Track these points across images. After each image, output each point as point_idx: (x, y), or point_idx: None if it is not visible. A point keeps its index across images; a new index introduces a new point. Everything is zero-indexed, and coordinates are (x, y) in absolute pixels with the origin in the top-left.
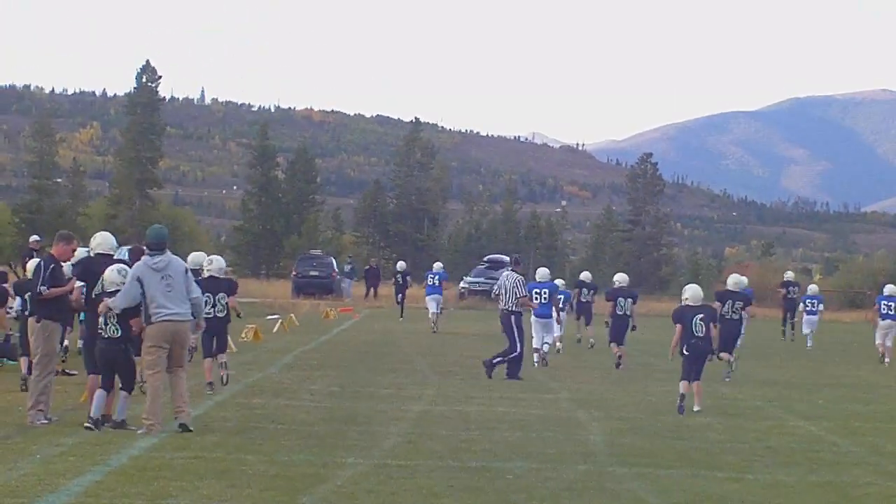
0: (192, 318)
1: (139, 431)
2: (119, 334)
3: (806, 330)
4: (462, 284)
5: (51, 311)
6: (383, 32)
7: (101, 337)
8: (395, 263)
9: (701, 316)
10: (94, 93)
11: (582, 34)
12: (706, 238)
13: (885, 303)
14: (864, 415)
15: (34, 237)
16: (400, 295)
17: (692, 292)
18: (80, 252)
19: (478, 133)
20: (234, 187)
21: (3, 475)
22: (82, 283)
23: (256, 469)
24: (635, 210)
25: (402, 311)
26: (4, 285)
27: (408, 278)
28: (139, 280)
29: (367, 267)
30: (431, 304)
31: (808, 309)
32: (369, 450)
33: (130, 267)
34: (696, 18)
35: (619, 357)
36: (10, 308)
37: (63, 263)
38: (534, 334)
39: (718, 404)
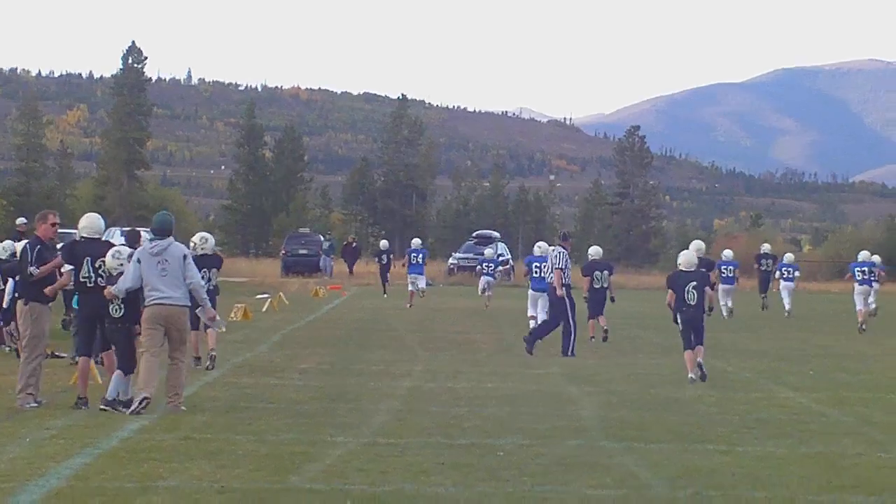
0: (188, 303)
1: (138, 399)
2: (122, 314)
3: (784, 297)
4: (451, 260)
5: (38, 294)
6: (369, 9)
7: (109, 318)
8: (380, 242)
9: (694, 283)
10: (80, 75)
11: (568, 7)
12: (695, 210)
13: (859, 269)
14: (854, 385)
15: (21, 219)
16: (384, 274)
17: (685, 258)
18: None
19: (465, 109)
20: (223, 167)
21: None
22: (71, 267)
23: (246, 449)
24: (623, 183)
25: (384, 289)
26: None
27: (391, 256)
28: (139, 262)
29: (345, 244)
30: (420, 281)
31: (784, 276)
32: (359, 428)
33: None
34: None
35: (605, 330)
36: None
37: (47, 242)
38: (529, 306)
39: (709, 377)
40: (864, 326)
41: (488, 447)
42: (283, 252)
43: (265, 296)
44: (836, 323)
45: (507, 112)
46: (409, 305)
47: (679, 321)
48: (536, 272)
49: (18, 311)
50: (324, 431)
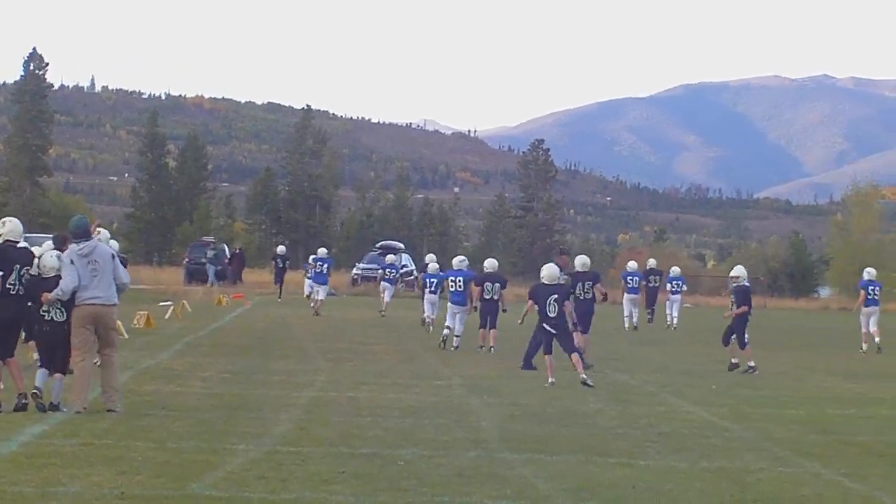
0: (116, 302)
1: (74, 411)
2: (64, 318)
3: (670, 309)
4: (355, 271)
5: None
6: (273, 19)
7: (44, 320)
8: (277, 247)
9: (555, 297)
10: None
11: (472, 20)
12: (599, 224)
13: (871, 287)
14: (756, 400)
15: None
16: (279, 278)
17: (547, 272)
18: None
19: (369, 120)
20: (126, 175)
21: None
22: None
23: (147, 456)
24: (527, 196)
25: (280, 293)
26: None
27: (287, 261)
28: (72, 262)
29: (234, 252)
30: (321, 292)
31: (672, 289)
32: (260, 436)
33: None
34: (588, 3)
35: (491, 346)
36: None
37: None
38: (448, 317)
39: (611, 390)
40: (866, 348)
41: (389, 457)
42: (187, 260)
43: (168, 303)
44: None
45: (411, 124)
46: (315, 314)
47: (543, 333)
48: (452, 285)
49: None
50: (225, 439)
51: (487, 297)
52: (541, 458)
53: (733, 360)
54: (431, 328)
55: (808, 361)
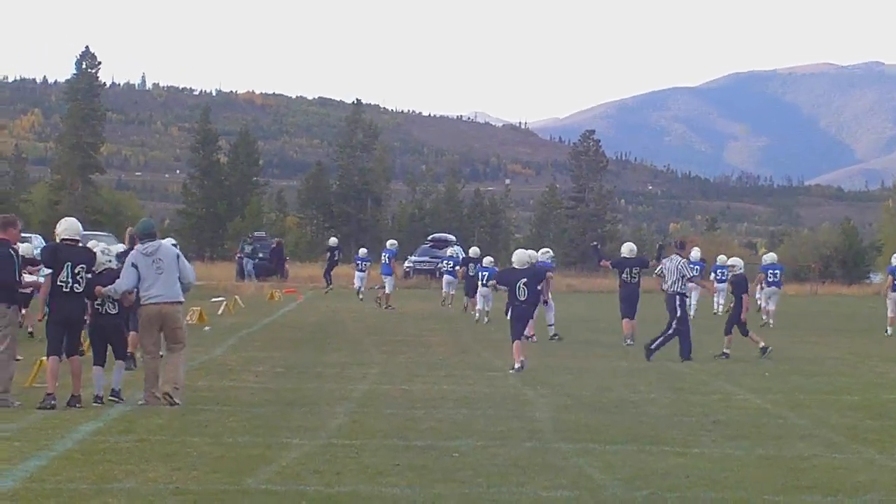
0: (181, 299)
1: (139, 403)
2: (117, 311)
3: (717, 298)
4: (407, 264)
5: (14, 296)
6: (324, 14)
7: (98, 314)
8: (329, 239)
9: (524, 280)
10: (34, 80)
11: (523, 12)
12: (650, 214)
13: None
14: (809, 387)
15: None
16: (329, 270)
17: (517, 256)
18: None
19: (420, 113)
20: (177, 171)
21: None
22: (49, 270)
23: (202, 451)
24: (579, 187)
25: (328, 285)
26: None
27: (339, 253)
28: (134, 265)
29: (273, 246)
30: (387, 284)
31: (718, 278)
32: (315, 430)
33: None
34: None
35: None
36: None
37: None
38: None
39: (664, 378)
40: (891, 332)
41: (444, 449)
42: (239, 256)
43: (220, 299)
44: (791, 325)
45: (461, 116)
46: (387, 306)
47: (511, 315)
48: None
49: None
50: (279, 433)
51: (628, 281)
52: (595, 448)
53: (761, 344)
54: (487, 319)
55: (861, 347)
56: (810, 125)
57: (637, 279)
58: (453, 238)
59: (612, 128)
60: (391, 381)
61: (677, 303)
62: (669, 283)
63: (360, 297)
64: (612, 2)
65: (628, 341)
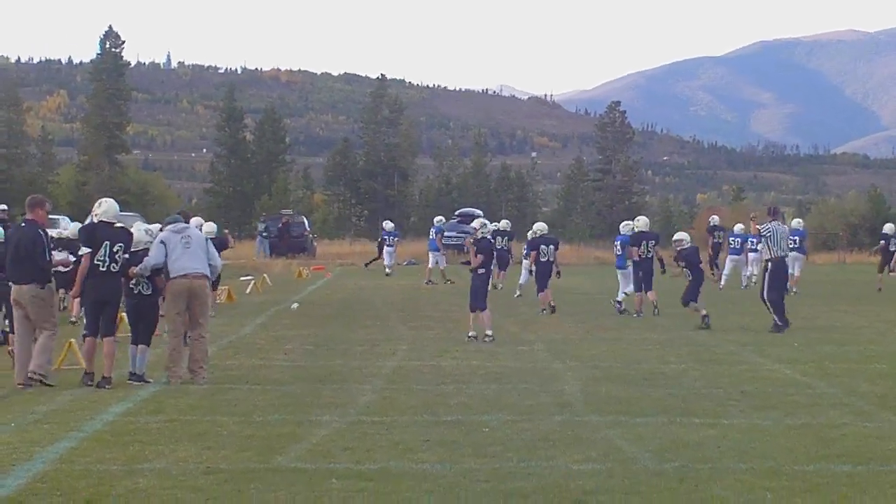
0: (208, 273)
1: (163, 381)
2: (150, 292)
3: (726, 269)
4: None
5: (51, 276)
6: None
7: (131, 294)
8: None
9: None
10: (60, 60)
11: None
12: (677, 185)
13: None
14: (838, 356)
15: (1, 206)
16: (380, 251)
17: (540, 226)
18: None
19: (445, 87)
20: (204, 150)
21: None
22: (88, 250)
23: (231, 430)
24: (605, 159)
25: (370, 263)
26: None
27: (395, 238)
28: (163, 242)
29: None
30: (440, 260)
31: (731, 248)
32: (344, 407)
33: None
34: None
35: (553, 307)
36: None
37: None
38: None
39: (693, 350)
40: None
41: (474, 424)
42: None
43: (249, 278)
44: (820, 295)
45: (487, 90)
46: (446, 280)
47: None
48: (619, 251)
49: (29, 295)
50: (309, 411)
51: (543, 259)
52: (625, 421)
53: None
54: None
55: (891, 315)
56: (836, 93)
57: (652, 253)
58: (480, 212)
59: (638, 99)
60: (420, 357)
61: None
62: (776, 250)
63: (388, 272)
64: None
65: (641, 313)
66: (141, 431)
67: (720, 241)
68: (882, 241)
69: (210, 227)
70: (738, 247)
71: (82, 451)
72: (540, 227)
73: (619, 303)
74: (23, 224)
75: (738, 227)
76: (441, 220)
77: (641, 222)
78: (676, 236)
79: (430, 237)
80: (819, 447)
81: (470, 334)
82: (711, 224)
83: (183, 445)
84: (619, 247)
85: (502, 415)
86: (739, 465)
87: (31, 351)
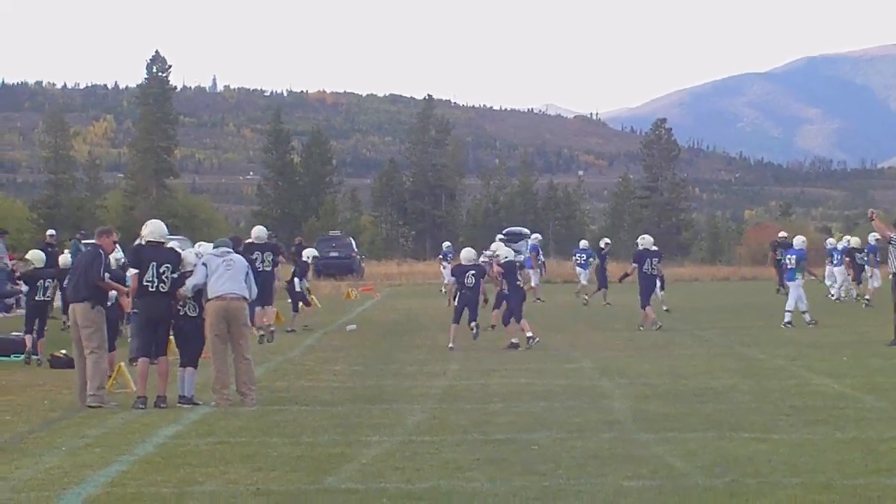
0: (245, 295)
1: (212, 404)
2: (197, 313)
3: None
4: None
5: (103, 297)
6: (393, 11)
7: (178, 315)
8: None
9: (473, 272)
10: (106, 86)
11: (592, 3)
12: (724, 201)
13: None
14: (888, 370)
15: (50, 231)
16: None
17: (464, 254)
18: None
19: (491, 107)
20: (251, 173)
21: (29, 469)
22: (135, 271)
23: (282, 451)
24: (652, 176)
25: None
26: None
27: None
28: (205, 264)
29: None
30: (533, 277)
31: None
32: (394, 427)
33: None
34: None
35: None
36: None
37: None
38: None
39: (742, 366)
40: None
41: (523, 442)
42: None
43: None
44: (868, 309)
45: (533, 109)
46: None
47: (458, 301)
48: (792, 265)
49: (81, 314)
50: (359, 432)
51: (647, 272)
52: (675, 437)
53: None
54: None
55: None
56: (883, 107)
57: (656, 270)
58: (527, 231)
59: (684, 116)
60: (469, 376)
61: None
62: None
63: (443, 290)
64: None
65: (643, 327)
66: (191, 454)
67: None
68: (847, 258)
69: (259, 231)
70: (839, 260)
71: (133, 474)
72: (647, 240)
73: (790, 315)
74: (87, 247)
75: (799, 241)
76: (538, 238)
77: (646, 241)
78: (493, 247)
79: (526, 256)
80: (869, 461)
81: (450, 346)
82: (778, 238)
83: (233, 467)
84: (792, 261)
85: (551, 433)
86: (790, 479)
87: (86, 372)
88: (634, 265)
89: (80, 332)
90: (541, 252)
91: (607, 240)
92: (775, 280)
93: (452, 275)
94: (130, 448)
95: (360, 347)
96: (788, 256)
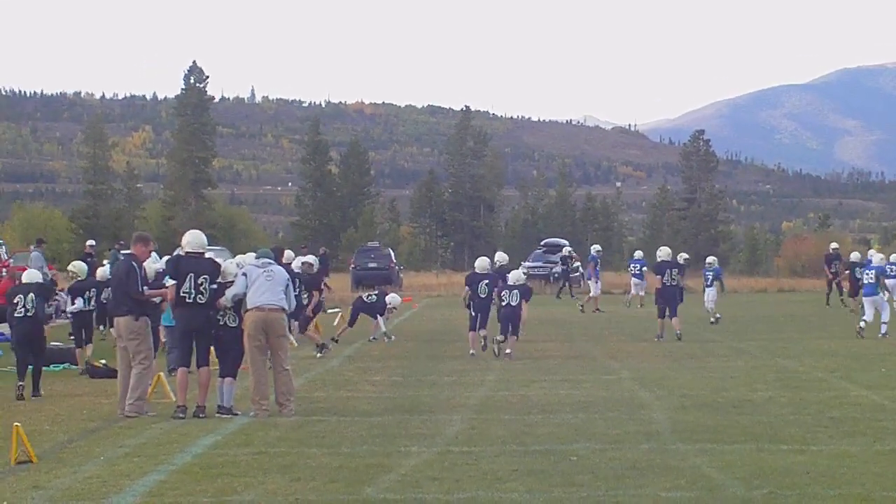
0: (284, 306)
1: (251, 414)
2: (236, 323)
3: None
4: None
5: (147, 309)
6: (431, 22)
7: (217, 325)
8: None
9: (486, 282)
10: (144, 97)
11: (630, 13)
12: (763, 213)
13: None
14: None
15: (90, 241)
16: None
17: (479, 263)
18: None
19: (529, 118)
20: (289, 184)
21: (68, 478)
22: (173, 282)
23: (320, 462)
24: (690, 188)
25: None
26: (59, 291)
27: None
28: (245, 275)
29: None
30: (593, 288)
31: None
32: (432, 438)
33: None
34: None
35: (678, 333)
36: (65, 311)
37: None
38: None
39: (780, 377)
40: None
41: (562, 453)
42: (353, 266)
43: (336, 310)
44: None
45: (571, 120)
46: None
47: (472, 309)
48: (872, 279)
49: (125, 327)
50: (397, 442)
51: (668, 283)
52: (713, 448)
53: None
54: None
55: None
56: None
57: (676, 281)
58: (566, 242)
59: (722, 127)
60: (508, 387)
61: None
62: None
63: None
64: (718, 1)
65: (671, 336)
66: (230, 464)
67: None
68: (847, 270)
69: (310, 257)
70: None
71: (172, 484)
72: (664, 252)
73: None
74: (122, 258)
75: (878, 257)
76: (599, 251)
77: (664, 252)
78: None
79: (588, 267)
80: None
81: (471, 352)
82: (831, 250)
83: (272, 477)
84: (872, 275)
85: (590, 444)
86: (828, 491)
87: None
88: (658, 276)
89: (127, 344)
90: (599, 264)
91: (685, 255)
92: (828, 292)
93: (467, 283)
94: (169, 458)
95: (398, 358)
96: (867, 272)
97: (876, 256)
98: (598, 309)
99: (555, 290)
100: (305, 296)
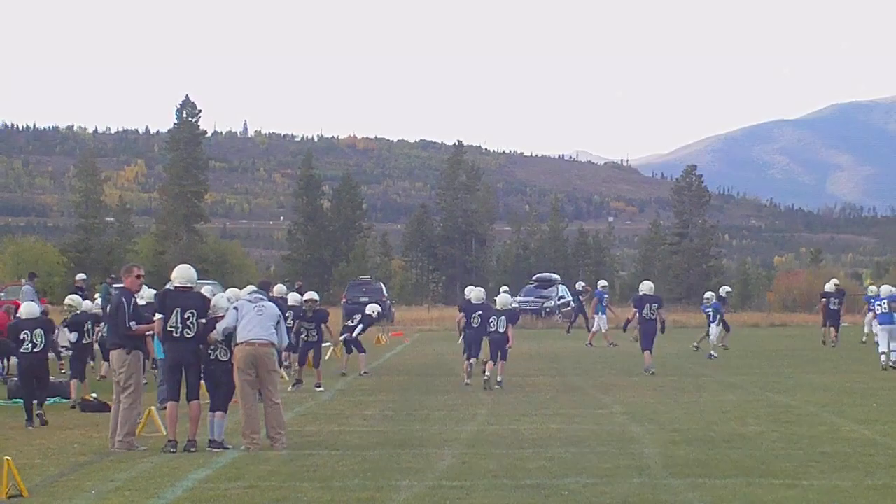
0: (274, 341)
1: (242, 448)
2: (228, 357)
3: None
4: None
5: (138, 342)
6: (423, 58)
7: (208, 360)
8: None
9: (480, 312)
10: (137, 130)
11: (621, 50)
12: (755, 248)
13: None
14: None
15: (80, 275)
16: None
17: (474, 294)
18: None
19: (521, 153)
20: (281, 218)
21: None
22: (161, 316)
23: (311, 496)
24: (682, 223)
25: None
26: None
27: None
28: (236, 308)
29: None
30: (602, 323)
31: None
32: (424, 472)
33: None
34: (734, 28)
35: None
36: (62, 347)
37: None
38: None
39: (772, 412)
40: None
41: (553, 487)
42: (345, 300)
43: (327, 344)
44: None
45: (563, 155)
46: (608, 345)
47: (465, 336)
48: (886, 309)
49: (117, 359)
50: (389, 476)
51: (647, 317)
52: (704, 483)
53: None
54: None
55: None
56: None
57: (655, 315)
58: (558, 277)
59: (714, 162)
60: (499, 421)
61: None
62: None
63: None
64: (709, 38)
65: (651, 370)
66: (221, 498)
67: (837, 308)
68: (822, 300)
69: (308, 296)
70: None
71: None
72: (646, 286)
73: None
74: (115, 292)
75: (886, 289)
76: (605, 286)
77: (645, 286)
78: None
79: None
80: None
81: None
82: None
83: None
84: (885, 305)
85: (581, 478)
86: None
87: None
88: (635, 310)
89: (118, 378)
90: (605, 300)
91: (729, 288)
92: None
93: (461, 311)
94: (159, 492)
95: (390, 391)
96: (878, 303)
97: (884, 288)
98: (590, 343)
99: (546, 324)
100: (314, 330)
